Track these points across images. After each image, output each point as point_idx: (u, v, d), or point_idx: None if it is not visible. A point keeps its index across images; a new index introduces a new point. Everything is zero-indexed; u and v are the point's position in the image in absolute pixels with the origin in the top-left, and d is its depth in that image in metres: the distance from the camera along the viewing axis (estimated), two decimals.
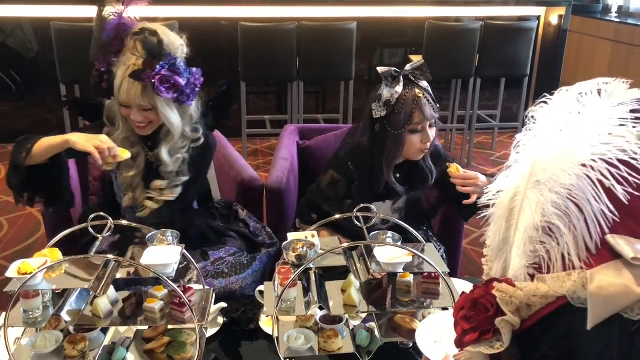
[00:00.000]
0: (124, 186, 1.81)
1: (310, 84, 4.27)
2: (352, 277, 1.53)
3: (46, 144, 1.64)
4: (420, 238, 1.60)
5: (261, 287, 1.71)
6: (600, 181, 0.64)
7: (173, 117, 1.74)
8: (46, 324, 1.42)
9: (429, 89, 1.79)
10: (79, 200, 2.16)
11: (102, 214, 1.46)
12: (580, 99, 0.70)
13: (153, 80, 1.63)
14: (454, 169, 1.80)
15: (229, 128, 2.78)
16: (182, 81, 1.68)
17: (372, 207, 1.53)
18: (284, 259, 1.51)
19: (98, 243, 1.43)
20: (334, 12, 4.41)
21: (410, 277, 1.51)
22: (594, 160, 0.64)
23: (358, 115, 4.80)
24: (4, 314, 1.63)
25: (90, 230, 1.46)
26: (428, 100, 1.76)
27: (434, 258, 1.43)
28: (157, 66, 1.63)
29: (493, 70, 4.24)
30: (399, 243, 1.47)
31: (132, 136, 1.78)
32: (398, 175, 1.90)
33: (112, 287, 1.47)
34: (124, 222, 1.59)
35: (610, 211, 0.63)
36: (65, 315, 1.43)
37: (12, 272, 1.35)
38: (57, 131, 1.75)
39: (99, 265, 1.41)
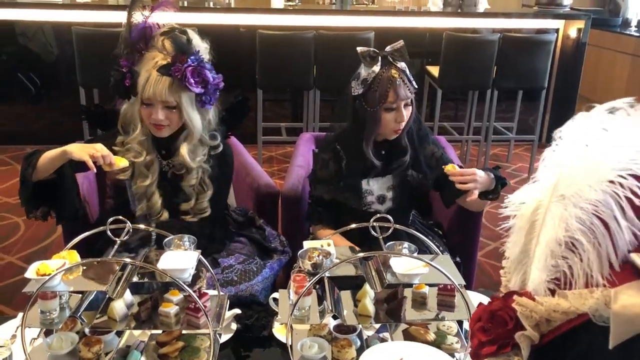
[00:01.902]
0: (137, 195, 1.82)
1: (327, 92, 4.28)
2: (367, 286, 1.52)
3: (48, 157, 1.66)
4: (435, 249, 1.59)
5: (275, 295, 1.71)
6: (628, 198, 0.63)
7: (195, 117, 1.76)
8: (62, 325, 1.43)
9: (407, 70, 1.85)
10: (96, 202, 2.18)
11: (120, 217, 1.47)
12: (607, 116, 0.69)
13: (184, 73, 1.65)
14: (451, 167, 1.82)
15: (244, 135, 2.80)
16: (210, 77, 1.71)
17: (388, 217, 1.53)
18: (299, 267, 1.51)
19: (116, 246, 1.44)
20: (352, 22, 4.43)
21: (425, 289, 1.51)
22: (622, 177, 0.63)
23: None
24: (20, 314, 1.65)
25: (109, 233, 1.47)
26: (404, 81, 1.82)
27: (450, 270, 1.42)
28: (188, 60, 1.66)
29: (510, 82, 4.22)
30: (415, 254, 1.47)
31: (147, 141, 1.79)
32: (383, 152, 1.97)
33: (127, 290, 1.48)
34: (141, 226, 1.60)
35: (638, 229, 0.62)
36: (81, 317, 1.44)
37: (30, 273, 1.36)
38: (68, 141, 1.77)
39: (116, 268, 1.42)
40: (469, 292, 1.67)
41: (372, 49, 1.84)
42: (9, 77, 4.62)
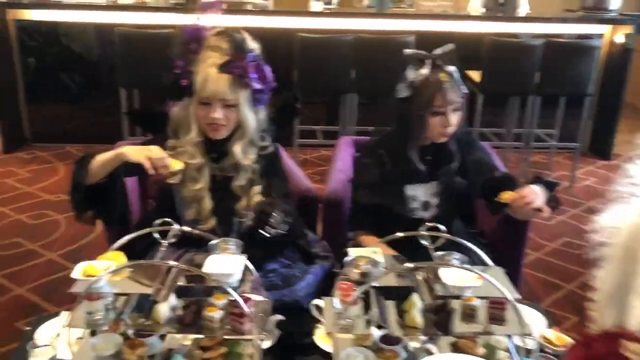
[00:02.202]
0: (188, 199, 1.80)
1: (365, 96, 4.24)
2: (414, 297, 1.48)
3: (101, 159, 1.64)
4: (487, 259, 1.54)
5: (318, 301, 1.68)
6: None
7: (250, 116, 1.75)
8: (107, 327, 1.43)
9: (455, 73, 1.81)
10: (137, 204, 2.18)
11: (167, 219, 1.46)
12: None
13: (245, 69, 1.64)
14: (507, 195, 1.74)
15: (281, 137, 2.79)
16: (269, 74, 1.71)
17: (440, 226, 1.48)
18: (344, 275, 1.48)
19: (162, 249, 1.43)
20: (392, 25, 4.39)
21: (476, 301, 1.46)
22: None
23: None
24: (64, 312, 1.66)
25: (156, 235, 1.47)
26: (452, 85, 1.79)
27: (503, 283, 1.37)
28: (248, 56, 1.67)
29: (554, 89, 4.11)
30: (465, 265, 1.42)
31: (201, 144, 1.78)
32: (429, 157, 1.93)
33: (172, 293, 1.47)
34: (187, 229, 1.58)
35: None
36: (125, 319, 1.43)
37: (77, 273, 1.36)
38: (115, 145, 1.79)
39: (161, 270, 1.41)
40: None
41: (420, 51, 1.82)
42: (52, 77, 4.71)
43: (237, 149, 1.78)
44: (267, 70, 1.72)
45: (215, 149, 1.82)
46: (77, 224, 3.48)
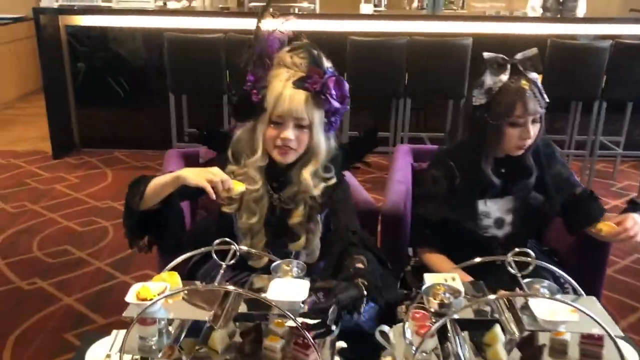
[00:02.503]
0: (241, 230, 1.65)
1: (418, 101, 4.08)
2: (497, 329, 1.33)
3: (158, 183, 1.50)
4: (577, 287, 1.37)
5: (383, 328, 1.55)
6: None
7: (322, 139, 1.59)
8: (160, 353, 1.33)
9: (538, 81, 1.66)
10: (188, 214, 2.09)
11: (226, 239, 1.35)
12: None
13: (324, 85, 1.49)
14: (605, 227, 1.61)
15: None
16: (347, 94, 1.56)
17: (529, 251, 1.32)
18: (419, 303, 1.34)
19: (221, 271, 1.32)
20: (446, 28, 4.21)
21: (567, 335, 1.30)
22: None
23: None
24: (115, 331, 1.57)
25: (215, 257, 1.35)
26: (534, 94, 1.63)
27: (600, 315, 1.20)
28: (327, 71, 1.52)
29: (621, 93, 3.87)
30: (559, 295, 1.26)
31: (263, 170, 1.62)
32: (503, 170, 1.77)
33: None
34: (245, 248, 1.47)
35: None
36: (180, 346, 1.33)
37: (131, 297, 1.26)
38: (171, 169, 1.64)
39: (219, 294, 1.30)
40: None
41: (500, 55, 1.65)
42: (100, 81, 4.72)
43: (307, 176, 1.60)
44: (347, 88, 1.55)
45: (277, 177, 1.65)
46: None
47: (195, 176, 1.42)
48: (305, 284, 1.26)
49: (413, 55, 3.80)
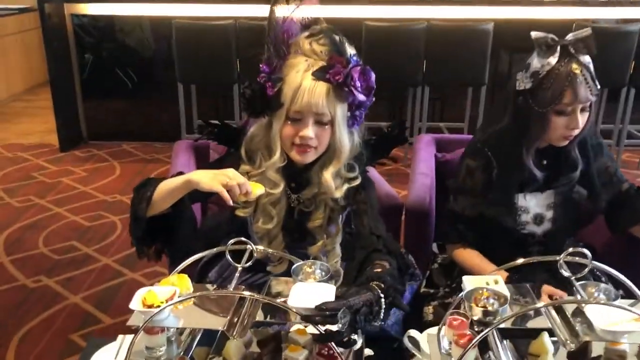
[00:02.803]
0: (258, 234, 1.50)
1: (436, 90, 3.93)
2: (544, 338, 1.19)
3: (167, 188, 1.34)
4: (635, 290, 1.22)
5: (413, 333, 1.41)
6: None
7: (345, 137, 1.42)
8: None
9: (591, 66, 1.49)
10: (199, 212, 1.96)
11: (242, 238, 1.21)
12: None
13: (348, 76, 1.31)
14: None
15: None
16: (373, 86, 1.38)
17: (585, 251, 1.18)
18: (455, 308, 1.20)
19: (237, 274, 1.19)
20: (468, 13, 4.04)
21: (625, 345, 1.15)
22: None
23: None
24: (120, 336, 1.45)
25: (229, 258, 1.22)
26: (585, 79, 1.47)
27: None
28: (352, 60, 1.34)
29: None
30: (619, 301, 1.11)
31: (282, 171, 1.46)
32: (545, 162, 1.62)
33: None
34: (261, 248, 1.33)
35: None
36: (192, 357, 1.20)
37: (136, 303, 1.13)
38: (180, 171, 1.44)
39: (234, 299, 1.17)
40: None
41: (550, 35, 1.48)
42: (107, 72, 4.61)
43: (328, 177, 1.44)
44: (373, 79, 1.37)
45: (295, 177, 1.49)
46: None
47: (209, 180, 1.25)
48: (331, 288, 1.12)
49: (431, 41, 3.65)
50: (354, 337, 1.10)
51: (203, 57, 3.70)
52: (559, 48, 1.46)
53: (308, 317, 1.04)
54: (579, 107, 1.48)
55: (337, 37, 1.37)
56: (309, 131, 1.36)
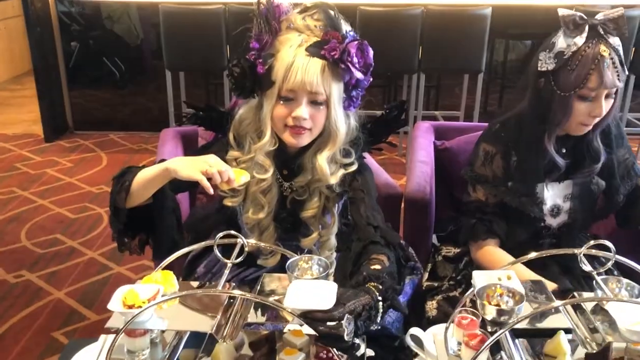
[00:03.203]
0: (248, 225, 1.41)
1: (433, 77, 3.83)
2: (561, 337, 1.10)
3: (145, 177, 1.25)
4: None
5: (415, 331, 1.32)
6: None
7: (341, 118, 1.32)
8: None
9: (620, 49, 1.38)
10: (186, 203, 1.86)
11: (232, 232, 1.11)
12: None
13: (344, 51, 1.22)
14: None
15: None
16: (371, 63, 1.28)
17: (608, 243, 1.08)
18: (465, 305, 1.11)
19: (226, 271, 1.09)
20: None
21: None
22: None
23: (486, 112, 4.35)
24: (102, 336, 1.34)
25: (217, 254, 1.11)
26: (614, 63, 1.35)
27: None
28: (348, 35, 1.25)
29: None
30: None
31: (272, 155, 1.38)
32: (564, 150, 1.51)
33: None
34: (252, 241, 1.23)
35: None
36: None
37: (116, 303, 1.03)
38: (162, 159, 1.32)
39: (223, 299, 1.07)
40: None
41: (578, 13, 1.37)
42: (95, 62, 4.49)
43: (322, 162, 1.34)
44: (371, 55, 1.28)
45: (288, 163, 1.41)
46: None
47: (187, 168, 1.16)
48: (332, 286, 1.02)
49: (428, 27, 3.53)
50: (357, 341, 1.02)
51: (192, 43, 3.57)
52: (587, 28, 1.35)
53: (309, 323, 0.96)
54: (603, 93, 1.37)
55: (332, 12, 1.28)
56: (303, 111, 1.27)
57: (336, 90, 1.28)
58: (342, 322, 0.96)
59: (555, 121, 1.43)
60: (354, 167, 1.41)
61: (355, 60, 1.25)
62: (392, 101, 4.44)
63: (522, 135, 1.50)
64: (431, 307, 1.62)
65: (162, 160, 1.27)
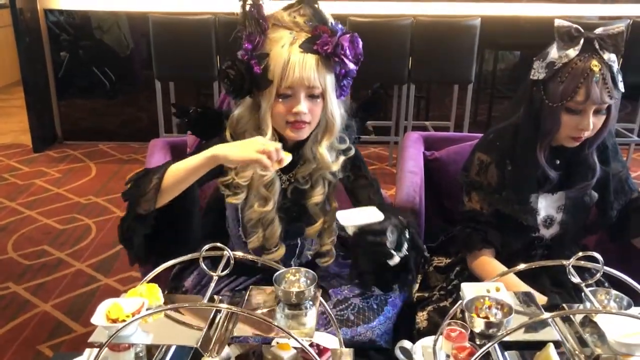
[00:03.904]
0: (252, 221, 1.42)
1: (423, 87, 3.84)
2: (550, 350, 1.09)
3: (183, 169, 1.24)
4: None
5: (405, 344, 1.31)
6: None
7: (336, 108, 1.37)
8: None
9: (614, 65, 1.36)
10: None
11: (218, 244, 1.10)
12: None
13: (337, 45, 1.27)
14: None
15: None
16: (361, 53, 1.34)
17: (597, 255, 1.08)
18: (453, 318, 1.10)
19: (212, 284, 1.07)
20: (454, 8, 3.96)
21: (638, 358, 1.06)
22: None
23: (476, 123, 4.35)
24: (87, 350, 1.32)
25: (203, 267, 1.10)
26: (604, 79, 1.34)
27: None
28: (337, 28, 1.30)
29: (637, 77, 3.64)
30: (632, 310, 1.02)
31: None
32: (558, 162, 1.51)
33: None
34: (240, 254, 1.21)
35: None
36: None
37: (99, 318, 1.01)
38: (192, 151, 1.35)
39: (209, 312, 1.05)
40: None
41: (575, 25, 1.36)
42: (85, 71, 4.46)
43: (323, 151, 1.38)
44: (361, 45, 1.34)
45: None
46: (109, 230, 3.20)
47: (240, 151, 1.20)
48: (375, 210, 1.19)
49: (417, 37, 3.55)
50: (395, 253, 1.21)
51: (181, 53, 3.57)
52: (582, 41, 1.34)
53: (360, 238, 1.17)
54: (591, 108, 1.36)
55: (316, 6, 1.33)
56: (303, 106, 1.31)
57: (330, 82, 1.33)
58: (387, 232, 1.17)
59: (545, 132, 1.43)
60: (352, 152, 1.47)
61: (348, 52, 1.30)
62: (383, 110, 4.45)
63: (516, 145, 1.50)
64: (422, 318, 1.61)
65: (196, 151, 1.29)
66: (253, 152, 1.18)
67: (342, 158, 1.43)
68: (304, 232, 1.47)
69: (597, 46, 1.34)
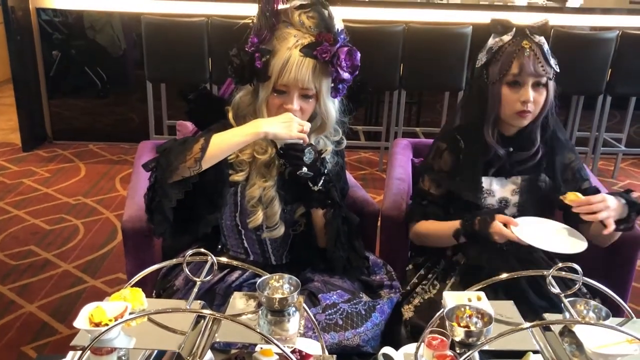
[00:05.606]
0: (252, 201, 1.49)
1: (413, 94, 3.86)
2: (530, 358, 1.10)
3: (225, 142, 1.35)
4: (620, 301, 1.14)
5: (388, 350, 1.32)
6: None
7: (330, 107, 1.47)
8: None
9: (544, 46, 1.55)
10: None
11: (202, 250, 1.10)
12: None
13: (335, 55, 1.36)
14: (572, 196, 1.52)
15: None
16: (358, 64, 1.44)
17: (576, 266, 1.09)
18: (435, 327, 1.11)
19: (195, 290, 1.08)
20: (446, 16, 3.99)
21: None
22: None
23: None
24: (71, 353, 1.32)
25: (187, 272, 1.10)
26: (535, 54, 1.52)
27: None
28: (338, 39, 1.38)
29: (627, 88, 3.68)
30: (610, 320, 1.03)
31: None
32: (512, 149, 1.64)
33: None
34: (224, 260, 1.21)
35: None
36: None
37: (82, 321, 1.01)
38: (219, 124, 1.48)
39: (192, 316, 1.06)
40: None
41: (508, 19, 1.58)
42: (77, 71, 4.44)
43: (312, 138, 1.50)
44: (358, 58, 1.44)
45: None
46: (97, 231, 3.18)
47: (285, 128, 1.34)
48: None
49: (409, 44, 3.57)
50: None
51: (173, 55, 3.57)
52: (514, 29, 1.54)
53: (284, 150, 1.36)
54: (529, 81, 1.51)
55: (326, 12, 1.41)
56: (295, 105, 1.42)
57: (325, 85, 1.43)
58: (306, 149, 1.35)
59: (490, 110, 1.58)
60: (344, 144, 1.63)
61: (343, 64, 1.40)
62: (374, 116, 4.47)
63: (469, 131, 1.64)
64: (408, 309, 1.66)
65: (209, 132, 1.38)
66: (295, 130, 1.33)
67: (331, 147, 1.56)
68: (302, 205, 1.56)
69: (527, 32, 1.54)
